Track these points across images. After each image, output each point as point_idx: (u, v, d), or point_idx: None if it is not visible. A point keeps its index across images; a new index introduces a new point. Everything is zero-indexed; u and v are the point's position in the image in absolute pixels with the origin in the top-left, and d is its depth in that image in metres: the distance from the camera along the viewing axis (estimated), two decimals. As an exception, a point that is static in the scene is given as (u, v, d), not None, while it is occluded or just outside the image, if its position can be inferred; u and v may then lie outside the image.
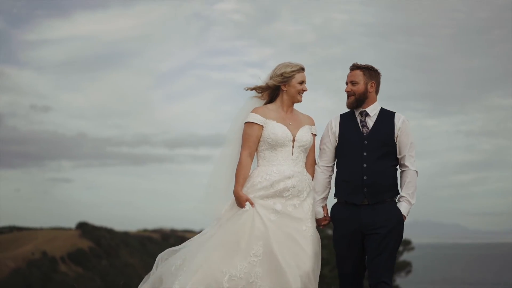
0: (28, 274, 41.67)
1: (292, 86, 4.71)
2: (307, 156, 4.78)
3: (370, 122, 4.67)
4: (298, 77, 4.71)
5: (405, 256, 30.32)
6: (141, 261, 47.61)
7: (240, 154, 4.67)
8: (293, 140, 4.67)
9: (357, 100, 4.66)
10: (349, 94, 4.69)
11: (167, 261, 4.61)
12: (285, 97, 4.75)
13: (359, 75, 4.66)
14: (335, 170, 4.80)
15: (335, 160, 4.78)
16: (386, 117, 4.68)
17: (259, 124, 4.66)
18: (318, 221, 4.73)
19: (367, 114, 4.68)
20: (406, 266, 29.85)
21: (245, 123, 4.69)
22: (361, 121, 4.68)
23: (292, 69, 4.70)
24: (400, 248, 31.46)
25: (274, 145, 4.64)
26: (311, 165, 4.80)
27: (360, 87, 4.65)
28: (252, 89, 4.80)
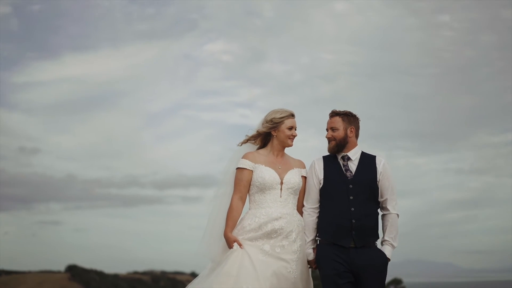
0: (17, 318, 41.04)
1: (282, 131, 4.87)
2: (298, 198, 4.89)
3: (353, 166, 4.79)
4: (287, 122, 4.87)
5: (397, 296, 30.18)
6: (131, 304, 47.02)
7: (232, 198, 4.82)
8: (281, 183, 4.80)
9: (338, 145, 4.81)
10: (330, 139, 4.83)
11: None
12: (275, 142, 4.90)
13: (338, 121, 4.82)
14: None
15: (319, 202, 4.85)
16: (368, 161, 4.82)
17: (248, 169, 4.81)
18: (310, 262, 4.82)
19: (349, 159, 4.82)
20: (398, 306, 29.67)
21: (236, 168, 4.85)
22: (343, 165, 4.81)
23: (282, 115, 4.87)
24: (392, 288, 31.44)
25: (263, 188, 4.78)
26: (303, 206, 4.89)
27: (340, 133, 4.80)
28: (246, 142, 4.98)
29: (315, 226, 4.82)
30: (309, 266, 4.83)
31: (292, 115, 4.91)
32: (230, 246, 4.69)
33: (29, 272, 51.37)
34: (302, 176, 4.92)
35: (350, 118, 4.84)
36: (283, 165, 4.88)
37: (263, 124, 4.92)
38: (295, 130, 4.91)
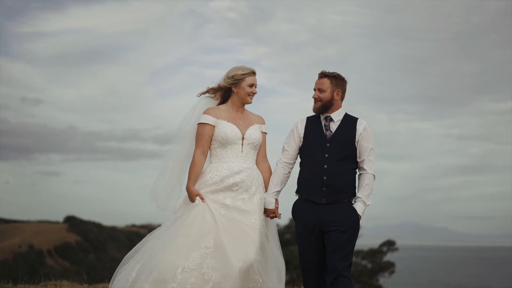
0: (15, 266, 41.55)
1: (242, 88, 4.98)
2: (257, 153, 5.05)
3: (334, 126, 4.92)
4: (248, 80, 4.98)
5: (389, 257, 30.47)
6: (128, 256, 47.50)
7: (194, 152, 4.95)
8: (243, 138, 4.94)
9: (323, 106, 4.92)
10: (316, 100, 4.94)
11: (122, 275, 4.79)
12: (235, 98, 5.02)
13: (326, 83, 4.92)
14: (297, 169, 4.99)
15: (296, 159, 5.01)
16: (349, 122, 4.93)
17: (210, 124, 4.93)
18: (267, 211, 4.94)
19: (331, 119, 4.94)
20: (389, 267, 29.88)
21: (198, 124, 4.96)
22: (325, 125, 4.94)
23: (243, 72, 4.97)
24: (384, 249, 31.60)
25: (225, 143, 4.91)
26: (261, 161, 5.07)
27: (326, 95, 4.91)
28: (205, 92, 5.07)
29: (283, 180, 4.96)
30: (265, 215, 4.92)
31: (254, 73, 5.01)
32: (192, 199, 4.82)
33: (28, 222, 51.80)
34: (262, 132, 5.05)
35: (338, 81, 4.93)
36: (243, 120, 5.01)
37: (224, 79, 5.01)
38: (256, 87, 5.02)
